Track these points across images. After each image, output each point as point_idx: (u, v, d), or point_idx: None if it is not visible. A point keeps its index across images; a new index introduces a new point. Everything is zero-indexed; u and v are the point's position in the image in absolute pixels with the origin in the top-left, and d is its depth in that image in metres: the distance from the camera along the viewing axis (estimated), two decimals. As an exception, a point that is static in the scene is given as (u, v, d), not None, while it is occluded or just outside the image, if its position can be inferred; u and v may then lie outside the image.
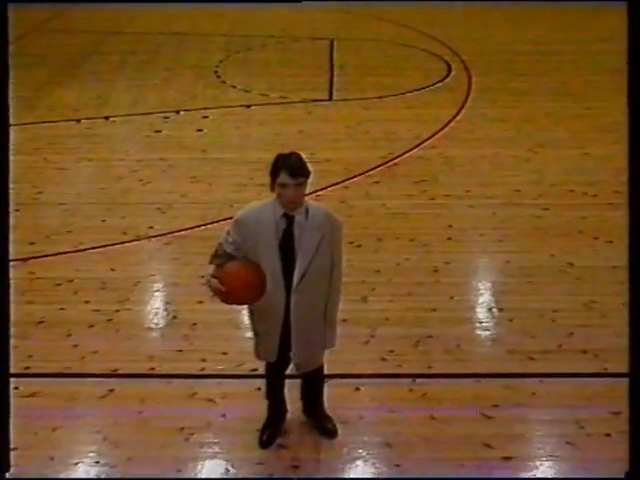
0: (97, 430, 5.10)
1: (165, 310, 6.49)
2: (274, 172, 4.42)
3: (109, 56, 14.13)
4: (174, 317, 6.37)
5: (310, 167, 4.48)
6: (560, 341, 5.96)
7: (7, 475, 4.15)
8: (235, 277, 4.40)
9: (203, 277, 4.64)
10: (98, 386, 5.49)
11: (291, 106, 11.48)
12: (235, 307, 5.30)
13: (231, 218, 4.67)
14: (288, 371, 4.91)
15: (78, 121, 10.86)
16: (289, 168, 4.37)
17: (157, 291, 6.81)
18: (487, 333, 6.14)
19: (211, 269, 4.54)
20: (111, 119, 11.03)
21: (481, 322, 6.28)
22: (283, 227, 4.47)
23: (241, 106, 11.48)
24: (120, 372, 5.65)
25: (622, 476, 4.04)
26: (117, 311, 6.42)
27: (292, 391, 5.06)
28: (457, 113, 11.06)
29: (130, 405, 5.30)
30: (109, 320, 6.30)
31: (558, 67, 13.06)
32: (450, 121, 10.74)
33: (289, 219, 4.47)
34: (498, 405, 5.27)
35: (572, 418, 5.13)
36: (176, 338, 6.07)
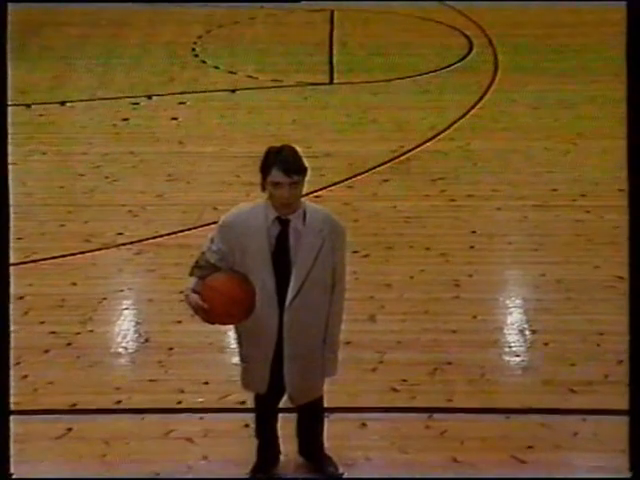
0: (51, 478, 5.08)
1: (136, 332, 6.49)
2: (265, 169, 4.44)
3: (67, 28, 14.14)
4: (146, 340, 6.36)
5: (307, 163, 4.49)
6: (607, 370, 5.94)
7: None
8: (219, 292, 4.40)
9: (182, 292, 4.64)
10: (53, 424, 5.47)
11: (284, 90, 11.49)
12: (219, 328, 5.30)
13: (215, 223, 4.66)
14: (282, 404, 4.90)
15: (28, 106, 10.86)
16: (282, 164, 4.39)
17: (126, 309, 6.81)
18: (518, 360, 6.14)
19: (191, 282, 4.55)
20: (69, 104, 11.04)
21: (510, 347, 6.28)
22: (276, 233, 4.48)
23: (225, 90, 11.49)
24: (80, 407, 5.63)
25: (626, 476, 4.07)
26: (78, 334, 6.41)
27: (286, 427, 5.05)
28: (481, 98, 11.08)
29: (92, 447, 5.27)
30: (68, 344, 6.29)
31: (603, 40, 13.00)
32: (472, 108, 10.76)
33: (283, 224, 4.48)
34: (532, 447, 5.25)
35: (623, 465, 5.09)
36: (148, 365, 6.06)
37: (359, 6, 14.95)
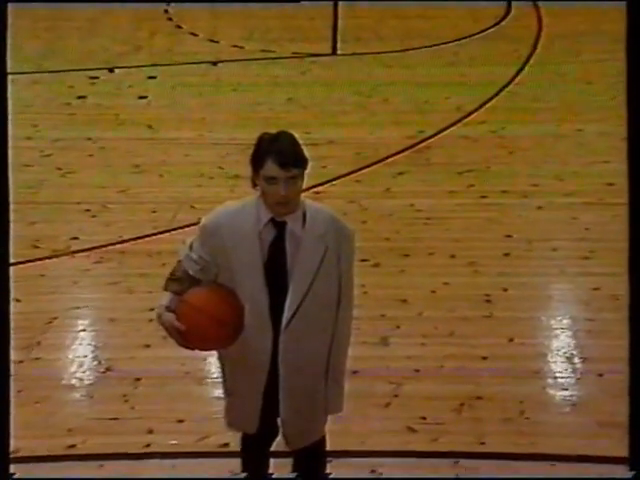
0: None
1: (94, 359, 6.50)
2: (256, 160, 4.45)
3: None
4: (107, 369, 6.37)
5: (307, 153, 4.51)
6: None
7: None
8: (199, 310, 4.42)
9: (153, 310, 4.66)
10: (-8, 473, 5.51)
11: (277, 63, 11.52)
12: (198, 353, 5.32)
13: (193, 225, 4.68)
14: (274, 447, 4.93)
15: (-38, 82, 10.90)
16: (278, 155, 4.39)
17: (83, 331, 6.83)
18: (565, 394, 6.16)
19: (165, 298, 4.55)
20: (10, 77, 11.04)
21: (555, 377, 6.31)
22: (270, 239, 4.50)
23: (205, 62, 11.52)
24: (23, 454, 5.57)
25: (628, 476, 4.13)
26: (20, 362, 6.38)
27: (281, 474, 5.08)
28: (519, 71, 11.11)
29: (40, 501, 5.32)
30: (10, 375, 6.33)
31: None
32: (509, 83, 10.79)
33: (279, 227, 4.50)
34: (585, 501, 5.30)
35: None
36: (110, 400, 6.07)
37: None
